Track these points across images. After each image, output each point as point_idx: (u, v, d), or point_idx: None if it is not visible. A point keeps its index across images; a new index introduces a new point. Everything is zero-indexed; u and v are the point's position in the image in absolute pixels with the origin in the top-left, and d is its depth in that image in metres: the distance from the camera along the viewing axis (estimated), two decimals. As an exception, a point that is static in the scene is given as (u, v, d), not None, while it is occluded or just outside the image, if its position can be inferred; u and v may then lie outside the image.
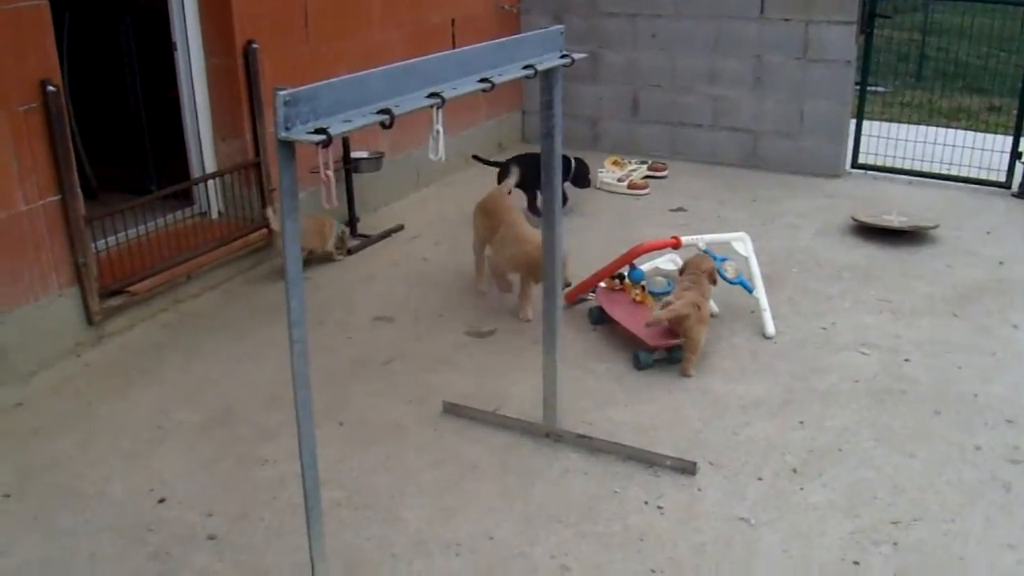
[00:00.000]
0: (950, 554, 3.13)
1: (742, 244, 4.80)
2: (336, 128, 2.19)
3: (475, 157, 6.54)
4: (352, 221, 5.98)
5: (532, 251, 4.50)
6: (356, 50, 6.10)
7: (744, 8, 7.32)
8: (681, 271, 4.67)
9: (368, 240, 5.97)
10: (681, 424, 3.89)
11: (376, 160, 6.07)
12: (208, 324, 4.87)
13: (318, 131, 2.14)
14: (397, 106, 2.37)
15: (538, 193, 4.90)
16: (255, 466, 3.64)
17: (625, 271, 4.80)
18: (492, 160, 6.44)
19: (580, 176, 6.48)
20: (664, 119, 7.76)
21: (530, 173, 5.51)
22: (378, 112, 2.33)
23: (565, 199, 6.01)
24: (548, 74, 3.21)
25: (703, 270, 4.54)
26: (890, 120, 8.02)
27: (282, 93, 2.08)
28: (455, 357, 4.51)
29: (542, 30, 3.18)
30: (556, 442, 3.73)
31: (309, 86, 2.16)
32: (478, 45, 2.85)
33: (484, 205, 5.14)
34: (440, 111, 2.51)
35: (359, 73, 2.33)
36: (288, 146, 2.16)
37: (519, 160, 5.84)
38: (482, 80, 2.76)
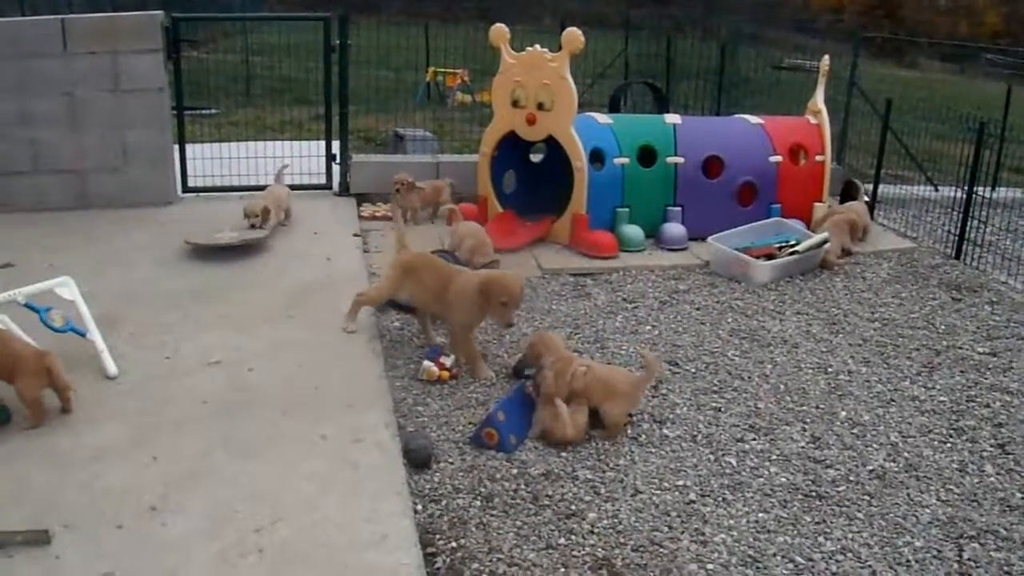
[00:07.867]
0: (314, 544, 3.31)
1: (67, 289, 4.57)
2: None
3: None
4: None
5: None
6: None
7: (46, 44, 6.98)
8: None
9: None
10: (29, 492, 3.58)
11: None
12: None
13: None
14: None
15: None
16: None
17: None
18: None
19: None
20: (-22, 171, 7.08)
21: None
22: None
23: None
24: None
25: None
26: (221, 140, 8.21)
27: None
28: None
29: None
30: None
31: None
32: None
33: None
34: None
35: None
36: None
37: None
38: None
